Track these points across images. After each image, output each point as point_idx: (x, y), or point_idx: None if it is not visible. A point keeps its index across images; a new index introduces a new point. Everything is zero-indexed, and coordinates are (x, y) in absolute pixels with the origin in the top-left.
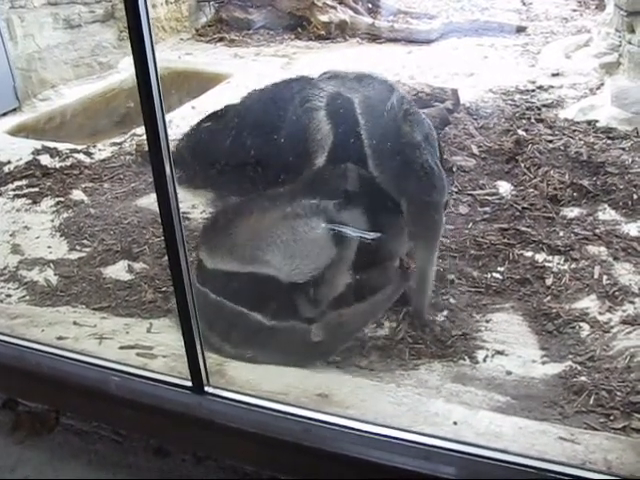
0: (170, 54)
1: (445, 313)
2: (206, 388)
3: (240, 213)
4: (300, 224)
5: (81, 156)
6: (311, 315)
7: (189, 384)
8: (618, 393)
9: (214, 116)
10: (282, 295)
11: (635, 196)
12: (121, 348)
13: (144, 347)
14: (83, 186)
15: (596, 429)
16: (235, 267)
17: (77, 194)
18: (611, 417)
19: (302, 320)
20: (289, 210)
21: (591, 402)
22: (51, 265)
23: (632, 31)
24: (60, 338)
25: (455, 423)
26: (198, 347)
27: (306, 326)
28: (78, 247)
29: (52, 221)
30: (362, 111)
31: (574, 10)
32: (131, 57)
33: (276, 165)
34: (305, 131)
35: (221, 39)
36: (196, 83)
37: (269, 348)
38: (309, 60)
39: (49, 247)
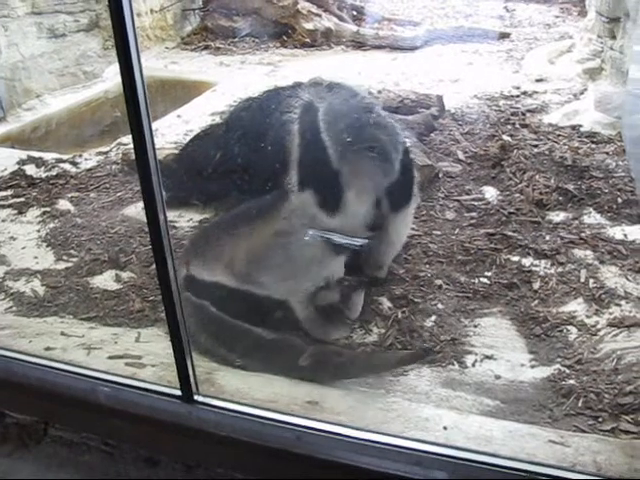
0: (155, 63)
1: (433, 318)
2: (195, 397)
3: (228, 225)
4: (289, 242)
5: (67, 166)
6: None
7: (178, 393)
8: (606, 395)
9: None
10: (277, 312)
11: (620, 200)
12: (110, 358)
13: (133, 356)
14: (69, 196)
15: (585, 431)
16: (228, 282)
17: (63, 204)
18: (600, 419)
19: (297, 337)
20: (277, 226)
21: (580, 404)
22: (38, 275)
23: (613, 37)
24: (48, 349)
25: (445, 428)
26: (187, 356)
27: (300, 343)
28: (65, 257)
29: (38, 231)
30: (325, 118)
31: (557, 16)
32: (116, 66)
33: (262, 174)
34: (283, 143)
35: (206, 47)
36: (182, 92)
37: (262, 361)
38: (294, 68)
39: (35, 257)
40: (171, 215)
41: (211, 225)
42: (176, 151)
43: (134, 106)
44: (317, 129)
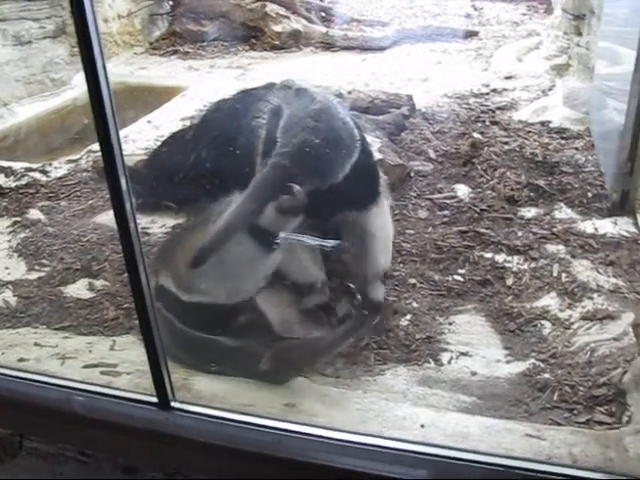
0: (124, 69)
1: (408, 317)
2: (172, 403)
3: (194, 232)
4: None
5: (37, 174)
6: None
7: (155, 400)
8: (581, 388)
9: (175, 136)
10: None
11: (590, 194)
12: (85, 367)
13: (108, 365)
14: (40, 205)
15: (561, 424)
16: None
17: (34, 213)
18: (575, 411)
19: (257, 342)
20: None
21: (555, 398)
22: (9, 286)
23: (579, 34)
24: (21, 360)
25: (423, 426)
26: (162, 362)
27: (260, 349)
28: (37, 267)
29: (9, 241)
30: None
31: (524, 14)
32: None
33: (231, 177)
34: (251, 147)
35: (175, 52)
36: (151, 97)
37: (230, 367)
38: (264, 70)
39: (7, 268)
40: (144, 221)
41: (179, 232)
42: (146, 157)
43: (100, 113)
44: (273, 133)
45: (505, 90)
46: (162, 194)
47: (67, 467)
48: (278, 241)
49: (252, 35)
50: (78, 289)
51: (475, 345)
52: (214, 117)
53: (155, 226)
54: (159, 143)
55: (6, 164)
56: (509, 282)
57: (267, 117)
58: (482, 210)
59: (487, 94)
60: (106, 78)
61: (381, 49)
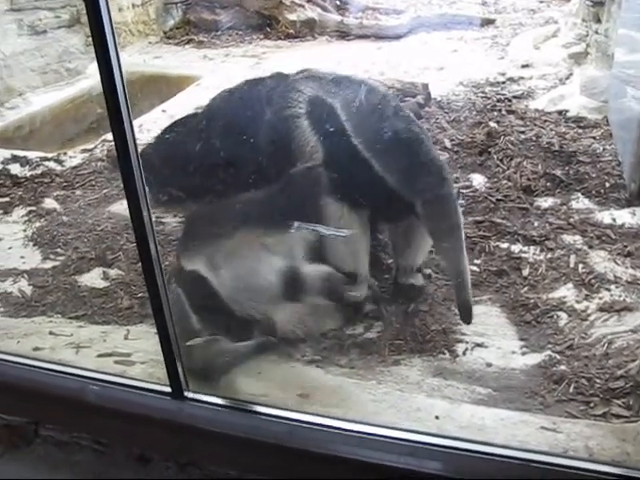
0: (138, 58)
1: (424, 308)
2: (186, 393)
3: (217, 220)
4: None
5: (52, 164)
6: None
7: (168, 390)
8: (597, 380)
9: (182, 121)
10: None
11: (607, 184)
12: (99, 356)
13: (122, 354)
14: (55, 194)
15: (577, 417)
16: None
17: (49, 202)
18: (591, 404)
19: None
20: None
21: (571, 390)
22: (25, 275)
23: (598, 21)
24: (36, 349)
25: (437, 417)
26: (176, 352)
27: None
28: (52, 256)
29: (24, 231)
30: (348, 116)
31: (541, 1)
32: None
33: (249, 168)
34: (287, 139)
35: (189, 41)
36: (166, 86)
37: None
38: (279, 59)
39: (22, 257)
40: (158, 210)
41: (205, 214)
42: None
43: (114, 104)
44: (341, 127)
45: (522, 79)
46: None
47: (82, 455)
48: (293, 230)
49: (267, 24)
50: (92, 278)
51: (490, 336)
52: (221, 106)
53: (169, 215)
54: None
55: (21, 153)
56: (525, 273)
57: (305, 107)
58: (498, 200)
59: (503, 83)
60: (119, 68)
61: (396, 37)
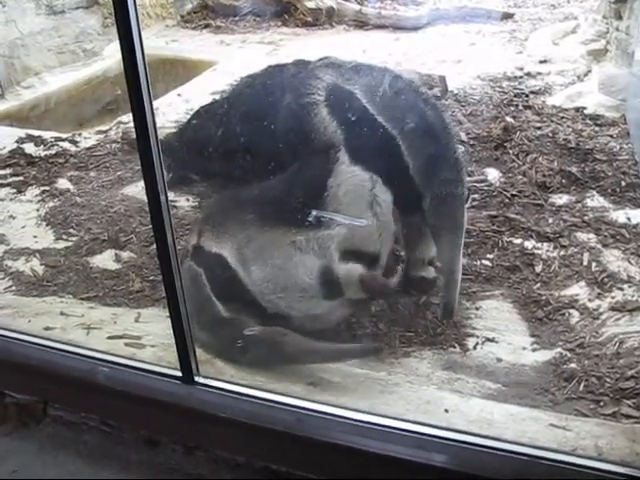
0: (155, 41)
1: (435, 301)
2: (196, 378)
3: (246, 207)
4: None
5: (66, 144)
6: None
7: (179, 374)
8: (608, 379)
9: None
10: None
11: (623, 183)
12: (109, 338)
13: (132, 337)
14: (69, 175)
15: (587, 415)
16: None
17: (63, 183)
18: (601, 403)
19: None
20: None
21: (581, 388)
22: (37, 255)
23: (619, 18)
24: (47, 328)
25: (447, 411)
26: (187, 336)
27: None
28: (64, 236)
29: (37, 210)
30: (373, 102)
31: None
32: (116, 43)
33: (268, 154)
34: (308, 125)
35: (207, 26)
36: (182, 70)
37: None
38: (296, 47)
39: (35, 237)
40: (171, 195)
41: (229, 197)
42: (175, 130)
43: (135, 85)
44: (367, 113)
45: (539, 74)
46: (191, 167)
47: (90, 436)
48: (310, 218)
49: (284, 11)
50: (104, 260)
51: (501, 331)
52: (246, 92)
53: (183, 199)
54: (189, 117)
55: (36, 133)
56: (538, 269)
57: (324, 94)
58: (513, 195)
59: (521, 77)
60: (142, 50)
61: (415, 29)
